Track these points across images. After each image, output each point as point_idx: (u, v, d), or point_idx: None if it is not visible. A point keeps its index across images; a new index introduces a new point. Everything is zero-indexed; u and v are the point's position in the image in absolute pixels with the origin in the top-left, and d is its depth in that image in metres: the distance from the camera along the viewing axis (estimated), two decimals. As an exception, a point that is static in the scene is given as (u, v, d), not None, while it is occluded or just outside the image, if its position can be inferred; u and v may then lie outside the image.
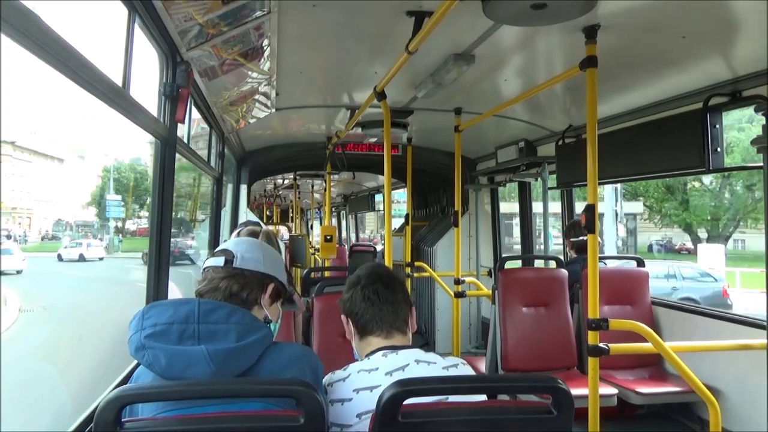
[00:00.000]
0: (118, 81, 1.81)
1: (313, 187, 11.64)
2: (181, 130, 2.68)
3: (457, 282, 4.61)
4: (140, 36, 2.05)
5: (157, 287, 2.27)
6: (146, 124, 2.12)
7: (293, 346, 1.52)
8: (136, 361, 2.12)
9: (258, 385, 1.31)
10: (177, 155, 2.52)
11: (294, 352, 1.47)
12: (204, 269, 1.58)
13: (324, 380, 1.63)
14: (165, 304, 1.43)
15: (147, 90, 2.37)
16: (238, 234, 3.33)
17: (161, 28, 2.17)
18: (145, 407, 1.34)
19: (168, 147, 2.37)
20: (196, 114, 3.35)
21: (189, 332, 1.36)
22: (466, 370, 1.68)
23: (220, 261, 1.55)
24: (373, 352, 1.68)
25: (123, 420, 1.20)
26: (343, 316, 1.77)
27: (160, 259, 2.28)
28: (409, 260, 5.98)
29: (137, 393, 1.24)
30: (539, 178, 5.10)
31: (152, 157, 2.41)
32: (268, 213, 14.70)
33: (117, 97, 1.79)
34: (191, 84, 2.45)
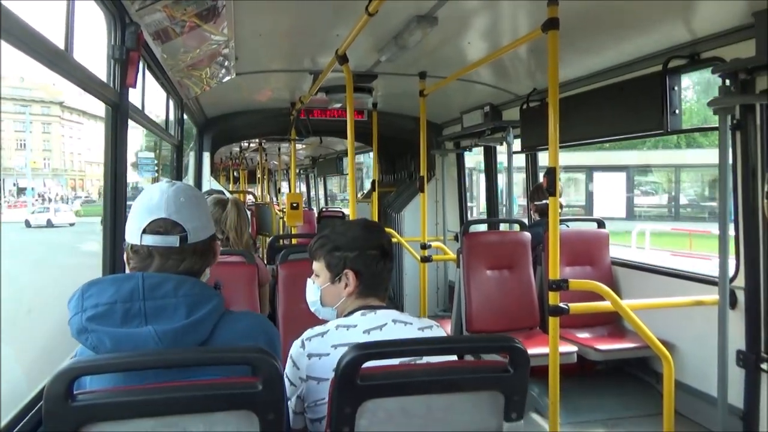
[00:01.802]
0: (60, 44, 1.72)
1: (280, 149, 11.46)
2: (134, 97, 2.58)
3: (424, 247, 4.65)
4: (83, -5, 1.94)
5: (113, 258, 2.22)
6: (94, 90, 2.03)
7: (247, 315, 1.47)
8: None
9: (214, 353, 1.30)
10: (131, 122, 2.44)
11: (248, 322, 1.42)
12: (148, 247, 1.38)
13: (303, 335, 1.65)
14: (106, 281, 1.34)
15: (96, 54, 2.27)
16: None
17: None
18: (93, 383, 1.28)
19: (120, 113, 2.28)
20: (150, 79, 3.23)
21: (134, 311, 1.28)
22: (439, 331, 1.74)
23: (173, 241, 1.38)
24: (352, 312, 1.71)
25: (75, 392, 1.17)
26: (350, 272, 1.73)
27: (116, 230, 2.22)
28: (377, 226, 5.97)
29: (89, 365, 1.21)
30: (504, 142, 5.12)
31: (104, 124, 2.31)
32: (235, 174, 14.44)
33: (59, 60, 1.70)
34: (142, 47, 2.35)
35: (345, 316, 1.72)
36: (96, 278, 1.37)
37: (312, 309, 1.84)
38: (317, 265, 1.80)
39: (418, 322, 1.71)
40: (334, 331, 1.63)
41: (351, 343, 1.45)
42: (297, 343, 1.65)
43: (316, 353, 1.59)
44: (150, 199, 1.42)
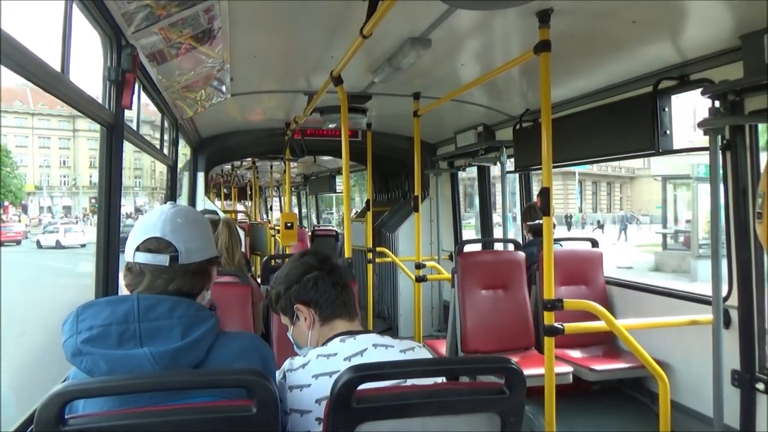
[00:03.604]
0: (56, 66, 1.73)
1: (272, 167, 11.49)
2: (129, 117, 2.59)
3: (418, 266, 4.64)
4: (80, 18, 1.96)
5: (106, 280, 2.20)
6: (90, 111, 2.04)
7: (242, 336, 1.47)
8: None
9: (208, 376, 1.29)
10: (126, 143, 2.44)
11: (243, 343, 1.42)
12: (140, 265, 1.39)
13: (283, 366, 1.63)
14: (101, 303, 1.33)
15: (92, 75, 2.28)
16: None
17: (103, 10, 2.08)
18: (86, 407, 1.26)
19: (115, 134, 2.29)
20: (146, 100, 3.25)
21: (129, 333, 1.27)
22: (422, 352, 1.71)
23: (162, 260, 1.38)
24: (330, 339, 1.68)
25: (66, 417, 1.16)
26: (299, 306, 1.73)
27: (109, 251, 2.21)
28: (371, 245, 5.98)
29: (81, 388, 1.19)
30: (498, 162, 5.15)
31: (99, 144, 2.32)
32: (225, 191, 14.44)
33: (55, 82, 1.71)
34: (138, 68, 2.36)
35: (323, 344, 1.68)
36: (91, 300, 1.37)
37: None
38: (282, 318, 1.82)
39: (399, 344, 1.68)
40: (314, 361, 1.60)
41: (332, 372, 1.45)
42: (277, 374, 1.62)
43: (298, 385, 1.57)
44: (149, 219, 1.44)
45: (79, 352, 1.25)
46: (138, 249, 1.40)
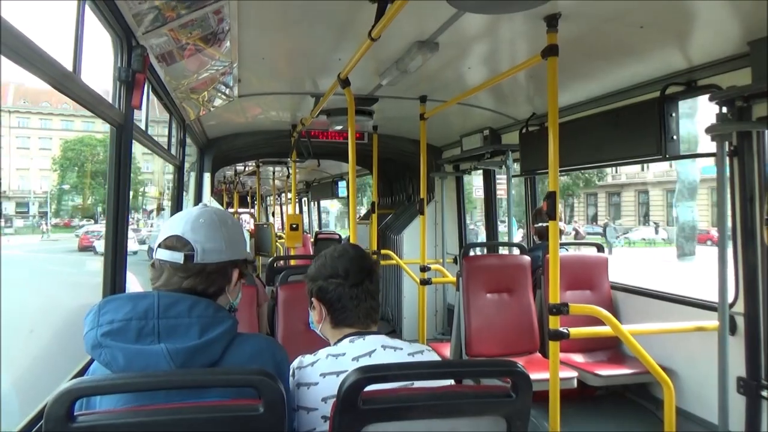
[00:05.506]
0: (68, 66, 1.75)
1: (274, 173, 11.51)
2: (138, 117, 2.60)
3: (423, 269, 4.64)
4: (92, 18, 1.97)
5: (114, 280, 2.21)
6: (100, 111, 2.06)
7: (258, 338, 1.47)
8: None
9: (216, 375, 1.29)
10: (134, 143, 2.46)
11: (258, 345, 1.43)
12: (159, 261, 1.43)
13: (293, 364, 1.63)
14: (123, 298, 1.36)
15: (101, 74, 2.29)
16: None
17: (114, 10, 2.09)
18: (102, 403, 1.28)
19: (124, 134, 2.30)
20: (154, 100, 3.26)
21: (148, 329, 1.30)
22: (431, 356, 1.70)
23: (178, 257, 1.41)
24: (340, 339, 1.69)
25: (76, 414, 1.16)
26: (314, 299, 1.73)
27: (117, 251, 2.22)
28: (376, 248, 5.98)
29: (90, 385, 1.20)
30: (504, 166, 5.15)
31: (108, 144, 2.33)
32: (227, 199, 14.52)
33: (67, 82, 1.73)
34: (147, 69, 2.38)
35: (334, 344, 1.70)
36: (114, 295, 1.40)
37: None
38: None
39: (409, 347, 1.68)
40: (324, 360, 1.61)
41: (340, 372, 1.45)
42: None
43: (305, 382, 1.58)
44: (176, 218, 1.48)
45: (99, 344, 1.28)
46: (160, 246, 1.45)
